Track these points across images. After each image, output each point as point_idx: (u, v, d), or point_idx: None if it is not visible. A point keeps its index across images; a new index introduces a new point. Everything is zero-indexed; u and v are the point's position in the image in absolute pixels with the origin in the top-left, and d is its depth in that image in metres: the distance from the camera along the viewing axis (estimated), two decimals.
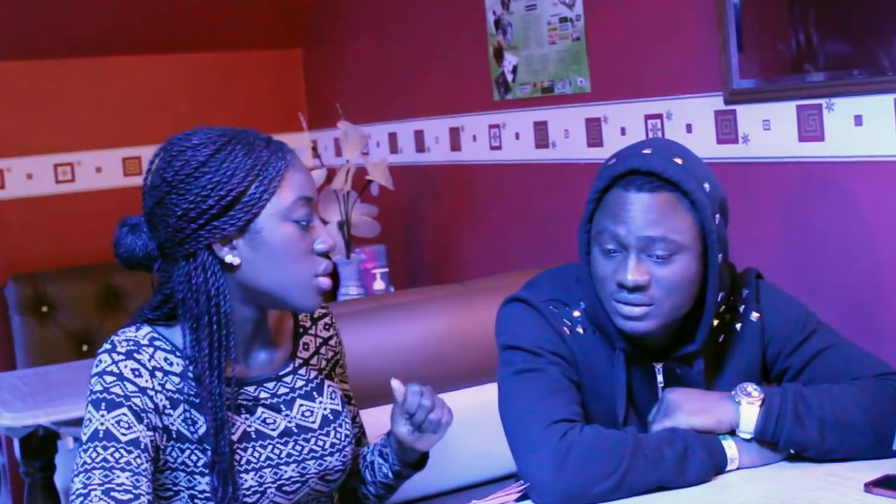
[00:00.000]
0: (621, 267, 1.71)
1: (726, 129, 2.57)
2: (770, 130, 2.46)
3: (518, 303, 1.84)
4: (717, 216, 1.72)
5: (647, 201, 1.69)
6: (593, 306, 1.78)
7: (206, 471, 1.64)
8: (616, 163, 1.74)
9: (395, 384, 1.74)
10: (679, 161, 1.71)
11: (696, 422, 1.72)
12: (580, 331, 1.81)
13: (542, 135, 3.19)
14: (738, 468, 1.72)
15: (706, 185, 1.71)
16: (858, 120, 2.27)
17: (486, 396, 2.08)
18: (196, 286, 1.62)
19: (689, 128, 2.67)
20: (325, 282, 1.67)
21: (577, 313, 1.82)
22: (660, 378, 1.81)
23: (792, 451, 1.73)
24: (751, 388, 1.73)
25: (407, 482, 1.90)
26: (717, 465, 1.70)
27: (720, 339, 1.83)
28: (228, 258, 1.63)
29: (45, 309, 3.91)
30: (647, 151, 1.72)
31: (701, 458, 1.68)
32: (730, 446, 1.71)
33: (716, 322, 1.81)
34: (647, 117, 2.79)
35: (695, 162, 1.75)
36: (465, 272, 3.58)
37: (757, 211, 2.51)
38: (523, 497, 1.70)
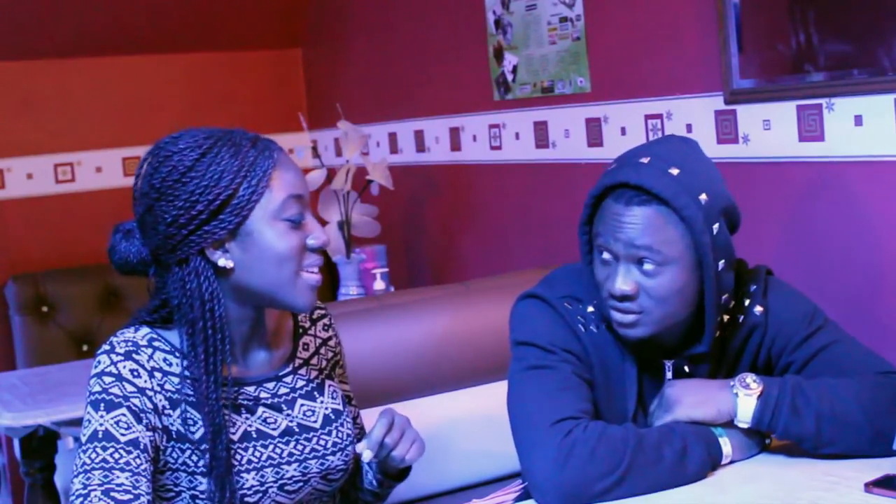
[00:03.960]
0: (612, 275, 1.72)
1: (726, 129, 2.57)
2: (770, 130, 2.46)
3: (533, 299, 1.84)
4: (717, 224, 1.71)
5: (637, 215, 1.69)
6: (600, 304, 1.79)
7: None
8: (614, 170, 1.73)
9: (361, 449, 1.68)
10: (675, 172, 1.69)
11: (696, 414, 1.73)
12: (594, 328, 1.80)
13: (542, 135, 3.19)
14: (731, 462, 1.73)
15: (703, 196, 1.69)
16: (858, 120, 2.27)
17: (486, 397, 2.08)
18: (190, 291, 1.61)
19: (689, 128, 2.67)
20: (314, 277, 1.66)
21: (591, 309, 1.81)
22: (669, 375, 1.81)
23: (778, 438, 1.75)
24: (750, 379, 1.73)
25: (407, 482, 1.89)
26: (713, 460, 1.72)
27: (727, 334, 1.83)
28: (221, 262, 1.62)
29: (45, 309, 3.91)
30: (644, 160, 1.71)
31: (700, 455, 1.69)
32: (725, 443, 1.73)
33: (726, 318, 1.81)
34: (647, 117, 2.79)
35: (695, 169, 1.72)
36: (465, 272, 3.57)
37: (757, 211, 2.51)
38: (523, 495, 1.70)
